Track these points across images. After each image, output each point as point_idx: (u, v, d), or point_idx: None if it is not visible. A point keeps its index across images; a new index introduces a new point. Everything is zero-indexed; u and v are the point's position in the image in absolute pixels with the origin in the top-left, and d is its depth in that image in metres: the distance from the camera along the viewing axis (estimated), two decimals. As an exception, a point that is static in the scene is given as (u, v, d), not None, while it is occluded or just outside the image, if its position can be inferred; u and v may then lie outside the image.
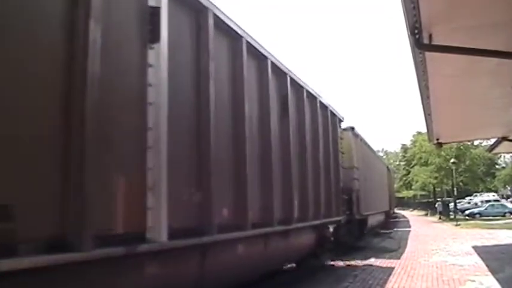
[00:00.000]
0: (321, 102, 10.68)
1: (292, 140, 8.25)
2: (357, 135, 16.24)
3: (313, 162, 9.71)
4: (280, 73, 8.06)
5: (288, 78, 8.31)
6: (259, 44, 7.00)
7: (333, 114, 12.06)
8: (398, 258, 13.60)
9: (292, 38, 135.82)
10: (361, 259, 13.39)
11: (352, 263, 12.54)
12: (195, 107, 5.20)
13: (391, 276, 10.22)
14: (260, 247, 6.89)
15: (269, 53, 7.40)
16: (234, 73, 6.27)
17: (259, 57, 7.13)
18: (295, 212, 8.12)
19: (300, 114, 9.08)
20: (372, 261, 12.80)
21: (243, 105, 6.27)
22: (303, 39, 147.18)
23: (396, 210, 47.07)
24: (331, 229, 11.26)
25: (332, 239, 11.25)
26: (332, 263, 12.25)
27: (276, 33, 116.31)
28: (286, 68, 8.31)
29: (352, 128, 15.49)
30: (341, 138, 13.00)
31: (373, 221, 19.97)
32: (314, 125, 10.05)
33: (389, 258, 13.61)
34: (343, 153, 13.00)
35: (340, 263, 12.32)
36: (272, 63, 7.51)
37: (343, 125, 14.06)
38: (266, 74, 7.25)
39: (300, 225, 8.44)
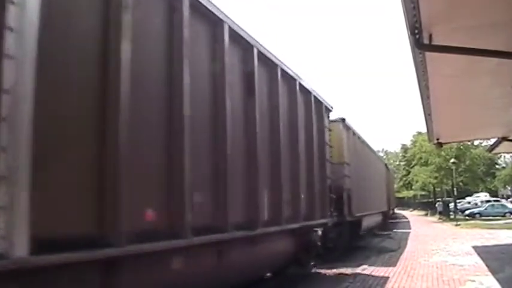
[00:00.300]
0: (301, 85, 8.78)
1: (260, 125, 6.54)
2: (348, 128, 14.07)
3: (290, 155, 7.94)
4: (243, 44, 6.36)
5: (255, 52, 6.55)
6: (212, 3, 5.40)
7: (318, 101, 10.08)
8: (398, 258, 13.02)
9: (292, 39, 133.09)
10: (361, 260, 12.56)
11: (343, 270, 10.77)
12: (95, 68, 3.62)
13: (391, 277, 9.83)
14: (210, 259, 5.24)
15: (227, 17, 5.74)
16: (169, 34, 4.63)
17: (210, 18, 5.49)
18: (263, 214, 6.46)
19: (273, 96, 7.32)
20: (365, 268, 11.00)
21: (181, 74, 4.62)
22: (303, 40, 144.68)
23: (396, 211, 45.50)
24: (319, 232, 9.44)
25: (319, 243, 9.39)
26: (320, 271, 10.52)
27: (276, 34, 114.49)
28: (253, 39, 6.56)
29: (343, 120, 13.31)
30: (329, 130, 11.05)
31: (368, 222, 17.69)
32: (292, 111, 8.23)
33: (389, 258, 13.11)
34: (331, 146, 11.00)
35: (330, 272, 10.60)
36: (231, 29, 5.83)
37: (334, 117, 12.22)
38: (221, 41, 5.60)
39: (271, 229, 6.75)
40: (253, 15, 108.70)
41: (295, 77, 8.46)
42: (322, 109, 10.36)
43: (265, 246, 6.80)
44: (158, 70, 4.54)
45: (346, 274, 10.21)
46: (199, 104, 5.09)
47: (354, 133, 15.25)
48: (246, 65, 6.42)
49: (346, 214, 12.61)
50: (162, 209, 4.34)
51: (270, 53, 7.28)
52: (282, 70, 7.73)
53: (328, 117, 11.15)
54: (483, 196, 51.79)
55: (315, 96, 9.74)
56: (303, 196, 8.35)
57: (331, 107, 11.19)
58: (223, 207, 5.33)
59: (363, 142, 17.76)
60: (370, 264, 11.81)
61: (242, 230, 5.83)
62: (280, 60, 7.65)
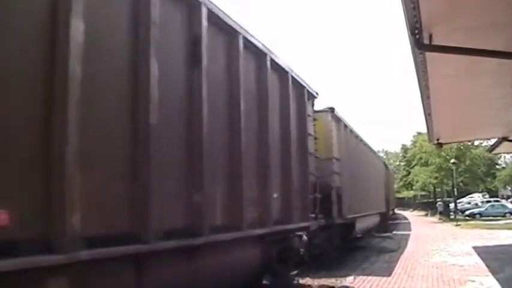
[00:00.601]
0: (273, 61, 7.13)
1: (209, 103, 5.08)
2: (339, 119, 12.29)
3: (258, 143, 6.55)
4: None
5: (203, 11, 5.10)
6: None
7: (298, 84, 8.39)
8: (398, 258, 13.02)
9: (291, 38, 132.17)
10: (360, 260, 12.40)
11: (333, 280, 9.46)
12: None
13: (391, 277, 9.78)
14: (123, 279, 3.85)
15: None
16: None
17: None
18: (211, 217, 5.10)
19: (232, 70, 5.94)
20: (355, 277, 9.86)
21: (68, 21, 3.24)
22: (303, 40, 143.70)
23: (397, 211, 45.32)
24: (304, 238, 8.14)
25: (302, 250, 8.10)
26: (306, 281, 9.28)
27: (275, 34, 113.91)
28: None
29: (332, 109, 11.48)
30: (314, 120, 9.55)
31: (364, 224, 15.89)
32: (260, 91, 6.76)
33: (389, 258, 13.10)
34: (316, 138, 9.50)
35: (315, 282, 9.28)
36: None
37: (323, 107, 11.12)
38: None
39: (225, 236, 5.35)
40: (249, 11, 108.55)
41: (266, 51, 6.93)
42: (303, 94, 8.74)
43: (217, 258, 5.27)
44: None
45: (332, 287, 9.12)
46: (106, 67, 3.81)
47: (346, 125, 13.37)
48: (191, 27, 5.04)
49: (335, 216, 11.01)
50: (27, 210, 2.94)
51: (230, 17, 5.87)
52: (246, 39, 6.24)
53: (313, 105, 9.69)
54: (477, 197, 51.84)
55: (293, 77, 8.07)
56: (275, 195, 6.93)
57: (316, 93, 9.60)
58: (142, 207, 3.92)
59: (357, 137, 15.93)
60: (370, 264, 11.69)
61: (177, 238, 4.44)
62: (244, 29, 6.22)
